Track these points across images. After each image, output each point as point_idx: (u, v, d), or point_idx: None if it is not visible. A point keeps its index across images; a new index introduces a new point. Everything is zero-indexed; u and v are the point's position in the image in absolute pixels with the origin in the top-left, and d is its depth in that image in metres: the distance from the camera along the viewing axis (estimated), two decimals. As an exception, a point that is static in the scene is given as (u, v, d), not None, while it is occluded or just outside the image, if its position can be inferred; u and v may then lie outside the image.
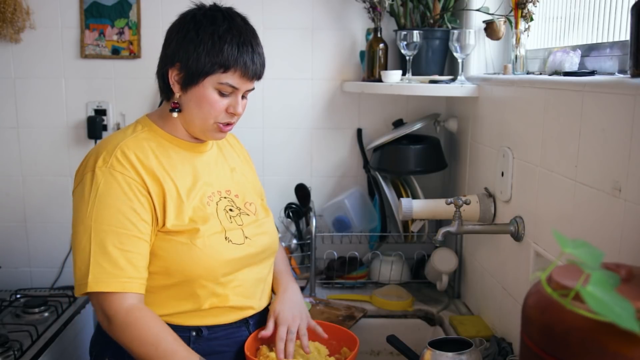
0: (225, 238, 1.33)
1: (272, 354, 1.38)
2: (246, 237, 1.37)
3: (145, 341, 1.20)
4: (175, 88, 1.31)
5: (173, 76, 1.31)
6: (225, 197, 1.40)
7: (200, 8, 1.33)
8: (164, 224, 1.27)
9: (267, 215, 1.49)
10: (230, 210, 1.39)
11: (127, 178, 1.25)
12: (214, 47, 1.27)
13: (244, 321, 1.40)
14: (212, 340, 1.35)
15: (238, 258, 1.35)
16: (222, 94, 1.30)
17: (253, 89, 1.36)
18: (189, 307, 1.32)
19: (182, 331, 1.31)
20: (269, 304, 1.49)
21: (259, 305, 1.43)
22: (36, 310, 1.90)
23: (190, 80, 1.29)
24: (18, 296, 2.04)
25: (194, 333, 1.33)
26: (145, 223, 1.25)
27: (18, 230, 2.25)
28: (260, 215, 1.46)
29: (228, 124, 1.34)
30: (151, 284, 1.29)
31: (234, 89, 1.30)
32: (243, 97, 1.35)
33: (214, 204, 1.36)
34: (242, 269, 1.37)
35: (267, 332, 1.40)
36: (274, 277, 1.56)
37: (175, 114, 1.33)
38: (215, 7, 1.34)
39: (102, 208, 1.22)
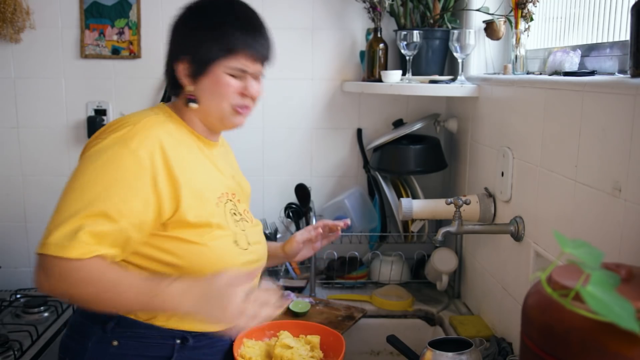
0: (235, 241, 1.31)
1: (258, 344, 1.40)
2: (249, 243, 1.35)
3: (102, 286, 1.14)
4: (186, 81, 1.30)
5: (181, 70, 1.30)
6: (230, 200, 1.37)
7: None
8: (173, 214, 1.21)
9: (259, 224, 1.48)
10: (234, 214, 1.36)
11: (137, 159, 1.18)
12: (219, 32, 1.28)
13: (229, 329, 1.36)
14: (197, 349, 1.30)
15: (244, 263, 1.31)
16: (234, 78, 1.30)
17: (263, 74, 1.36)
18: None
19: (167, 338, 1.27)
20: None
21: None
22: (36, 310, 1.90)
23: (200, 69, 1.29)
24: (18, 296, 2.04)
25: (178, 341, 1.27)
26: (131, 207, 1.16)
27: (18, 230, 2.25)
28: (254, 223, 1.45)
29: (245, 107, 1.34)
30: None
31: (244, 72, 1.30)
32: (257, 80, 1.35)
33: (222, 205, 1.33)
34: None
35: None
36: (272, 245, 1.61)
37: (194, 105, 1.31)
38: None
39: (96, 174, 1.16)
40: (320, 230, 1.62)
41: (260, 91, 1.36)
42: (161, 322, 1.27)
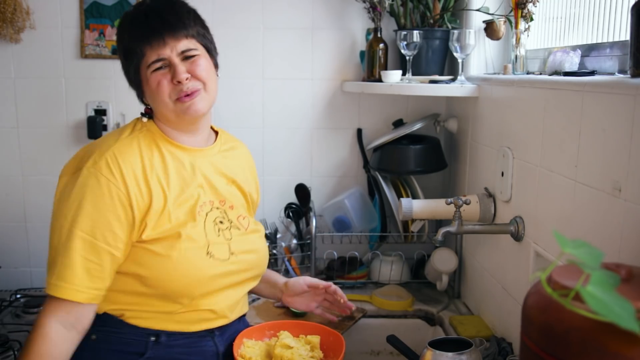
0: (207, 253, 1.28)
1: (257, 344, 1.40)
2: (232, 253, 1.32)
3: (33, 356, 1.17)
4: (143, 97, 1.34)
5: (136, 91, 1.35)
6: (217, 208, 1.34)
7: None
8: (141, 235, 1.24)
9: (258, 230, 1.44)
10: (221, 222, 1.33)
11: (112, 186, 1.21)
12: (122, 44, 1.29)
13: (210, 331, 1.34)
14: (173, 347, 1.30)
15: (219, 274, 1.30)
16: (160, 71, 1.25)
17: (195, 49, 1.27)
18: (161, 309, 1.28)
19: (140, 335, 1.28)
20: (242, 316, 1.45)
21: (230, 317, 1.38)
22: (36, 310, 1.90)
23: (137, 84, 1.30)
24: (18, 296, 2.04)
25: (152, 338, 1.29)
26: (116, 235, 1.21)
27: (18, 230, 2.25)
28: (250, 229, 1.41)
29: (191, 92, 1.26)
30: (126, 288, 1.27)
31: (163, 60, 1.25)
32: (190, 59, 1.27)
33: (203, 214, 1.31)
34: (223, 289, 1.32)
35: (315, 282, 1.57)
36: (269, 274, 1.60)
37: (145, 119, 1.33)
38: (123, 14, 1.34)
39: (79, 212, 1.20)
40: (332, 287, 1.57)
41: (198, 69, 1.27)
42: (135, 321, 1.28)
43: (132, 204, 1.22)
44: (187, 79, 1.26)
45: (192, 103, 1.27)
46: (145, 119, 1.33)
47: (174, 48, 1.25)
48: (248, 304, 1.50)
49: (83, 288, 1.19)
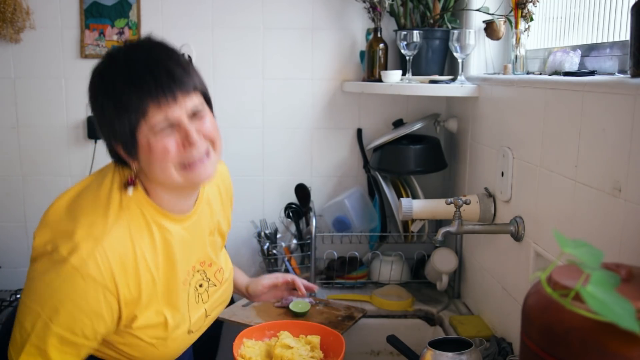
0: (189, 331, 1.28)
1: (257, 344, 1.41)
2: (207, 316, 1.33)
3: None
4: (130, 161, 1.12)
5: (120, 151, 1.12)
6: (198, 271, 1.29)
7: (96, 68, 1.11)
8: (131, 323, 1.16)
9: (228, 278, 1.41)
10: (200, 285, 1.30)
11: (99, 287, 1.07)
12: (116, 101, 1.06)
13: None
14: None
15: (192, 341, 1.32)
16: (165, 133, 1.07)
17: (201, 104, 1.12)
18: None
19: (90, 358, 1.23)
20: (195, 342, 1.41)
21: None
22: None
23: (130, 145, 1.09)
24: (18, 296, 2.04)
25: None
26: (96, 331, 1.11)
27: (18, 230, 2.25)
28: (225, 279, 1.38)
29: (200, 158, 1.11)
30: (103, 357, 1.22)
31: (169, 121, 1.07)
32: (197, 117, 1.11)
33: (186, 287, 1.25)
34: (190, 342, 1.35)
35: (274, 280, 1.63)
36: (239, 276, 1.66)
37: (130, 190, 1.13)
38: (107, 55, 1.12)
39: (60, 310, 1.07)
40: (289, 280, 1.66)
41: (208, 128, 1.12)
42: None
43: (120, 301, 1.11)
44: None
45: (202, 170, 1.12)
46: (130, 190, 1.14)
47: (184, 106, 1.07)
48: None
49: None
